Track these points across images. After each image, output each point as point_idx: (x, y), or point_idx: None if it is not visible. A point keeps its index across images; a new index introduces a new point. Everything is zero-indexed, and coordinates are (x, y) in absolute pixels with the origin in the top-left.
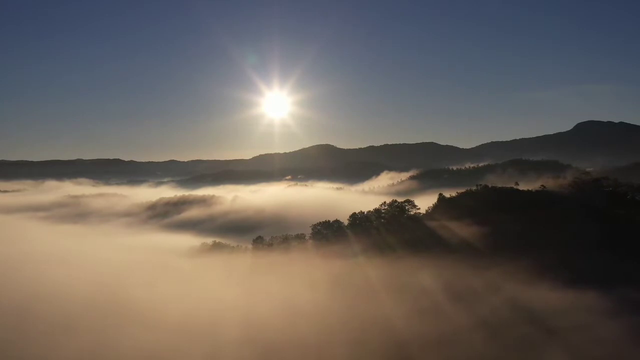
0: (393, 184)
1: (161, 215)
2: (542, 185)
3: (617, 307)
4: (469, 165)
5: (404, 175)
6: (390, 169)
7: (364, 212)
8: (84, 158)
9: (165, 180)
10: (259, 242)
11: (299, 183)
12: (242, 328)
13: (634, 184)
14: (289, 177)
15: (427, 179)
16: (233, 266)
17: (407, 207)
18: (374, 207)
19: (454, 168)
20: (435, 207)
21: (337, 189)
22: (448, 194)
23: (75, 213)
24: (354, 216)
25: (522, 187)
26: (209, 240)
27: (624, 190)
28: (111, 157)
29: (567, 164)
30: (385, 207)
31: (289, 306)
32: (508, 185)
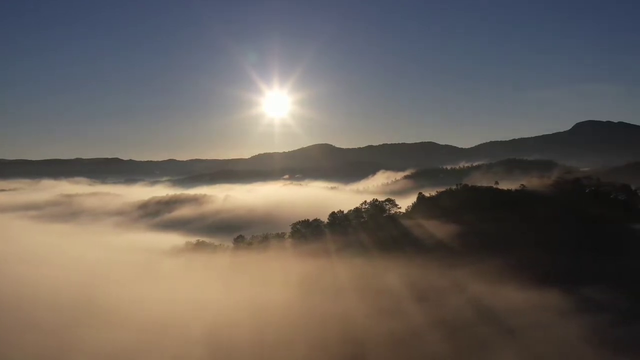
0: (387, 183)
1: (152, 214)
2: (522, 185)
3: (579, 306)
4: (463, 164)
5: (400, 175)
6: (389, 168)
7: (343, 212)
8: (83, 157)
9: (163, 179)
10: (239, 241)
11: (294, 182)
12: (207, 327)
13: (617, 184)
14: (287, 176)
15: (421, 179)
16: (212, 265)
17: (386, 207)
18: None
19: (448, 167)
20: (415, 206)
21: (332, 188)
22: (432, 193)
23: (67, 212)
24: (333, 215)
25: (503, 186)
26: (197, 239)
27: (607, 190)
28: (110, 157)
29: (561, 163)
30: (366, 207)
31: (255, 305)
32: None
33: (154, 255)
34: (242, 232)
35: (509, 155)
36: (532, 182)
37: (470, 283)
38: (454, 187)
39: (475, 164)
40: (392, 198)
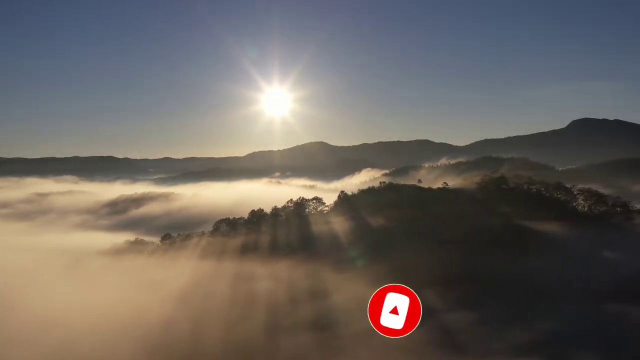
0: (366, 181)
1: (119, 212)
2: (445, 183)
3: (445, 308)
4: (442, 162)
5: (381, 172)
6: (381, 166)
7: (262, 210)
8: (80, 155)
9: (153, 177)
10: (167, 239)
11: (273, 180)
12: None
13: (552, 183)
14: (278, 174)
15: (399, 177)
16: (127, 266)
17: (310, 205)
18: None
19: (427, 165)
20: (335, 205)
21: (310, 186)
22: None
23: (36, 211)
24: (253, 213)
25: (426, 184)
26: (136, 237)
27: (538, 189)
28: (106, 155)
29: (536, 161)
30: (290, 205)
31: (111, 310)
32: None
33: (87, 256)
34: (199, 228)
35: (506, 153)
36: (468, 180)
37: (347, 286)
38: (376, 185)
39: (453, 161)
40: (320, 196)
